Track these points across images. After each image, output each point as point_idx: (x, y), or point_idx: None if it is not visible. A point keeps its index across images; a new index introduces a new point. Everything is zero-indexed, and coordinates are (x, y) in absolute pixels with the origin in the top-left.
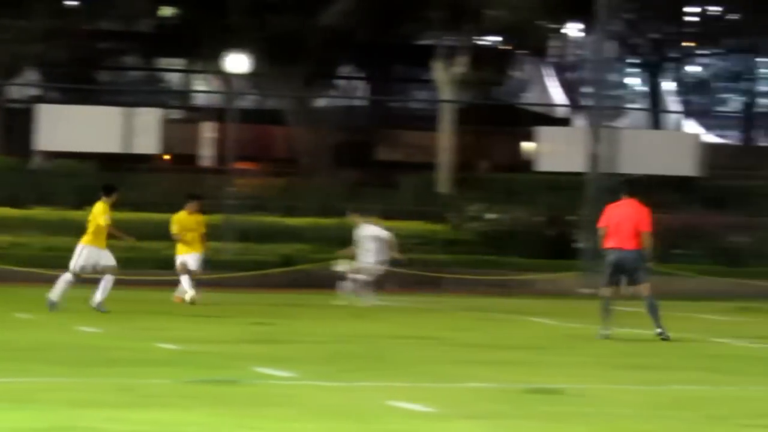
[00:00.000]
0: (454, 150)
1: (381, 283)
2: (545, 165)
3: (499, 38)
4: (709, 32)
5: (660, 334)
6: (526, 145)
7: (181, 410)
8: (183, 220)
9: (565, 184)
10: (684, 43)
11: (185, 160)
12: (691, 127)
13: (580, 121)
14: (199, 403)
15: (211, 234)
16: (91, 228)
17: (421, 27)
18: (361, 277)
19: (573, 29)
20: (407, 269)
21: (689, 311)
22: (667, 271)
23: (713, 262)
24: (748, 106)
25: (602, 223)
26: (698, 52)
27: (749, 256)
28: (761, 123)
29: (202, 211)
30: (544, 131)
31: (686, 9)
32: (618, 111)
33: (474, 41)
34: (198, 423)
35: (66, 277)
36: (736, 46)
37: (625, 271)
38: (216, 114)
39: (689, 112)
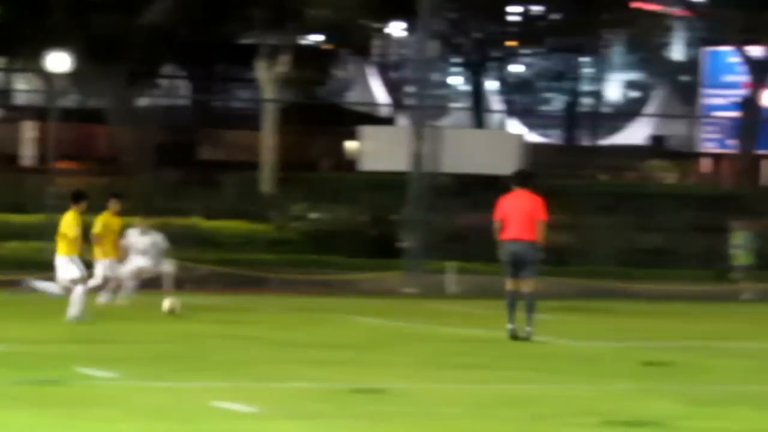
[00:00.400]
0: (277, 149)
1: (166, 283)
2: (369, 164)
3: (322, 37)
4: (531, 32)
5: (529, 333)
6: (350, 145)
7: (3, 412)
8: (108, 221)
9: (389, 183)
10: (507, 43)
11: (6, 160)
12: (514, 126)
13: (403, 121)
14: (22, 405)
15: (33, 234)
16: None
17: (244, 26)
18: (121, 276)
19: (396, 28)
20: (232, 269)
21: None
22: (493, 270)
23: None
24: (571, 105)
25: (497, 216)
26: (521, 51)
27: (572, 255)
28: (584, 122)
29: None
30: (367, 130)
31: (509, 8)
32: (441, 110)
33: (297, 40)
34: (21, 424)
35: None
36: (559, 45)
37: (520, 261)
38: (37, 113)
39: (512, 112)
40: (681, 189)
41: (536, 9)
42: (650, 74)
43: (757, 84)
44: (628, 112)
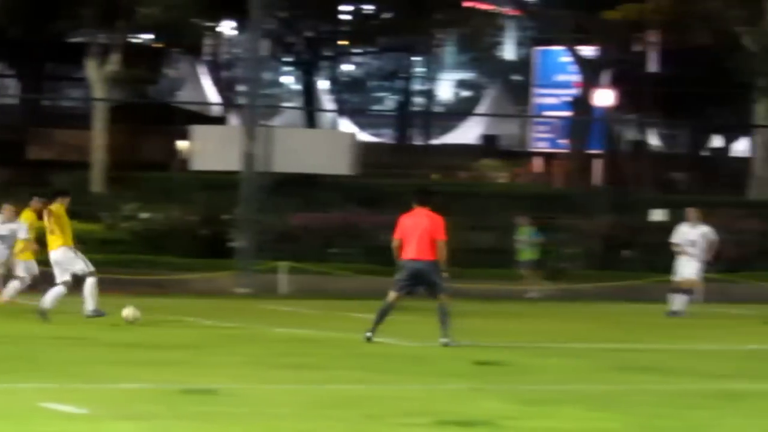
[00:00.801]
0: (108, 149)
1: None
2: (200, 164)
3: (153, 36)
4: (363, 31)
5: (446, 343)
6: (182, 144)
7: None
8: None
9: (221, 182)
10: (339, 42)
11: None
12: (346, 125)
13: (235, 120)
14: None
15: None
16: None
17: (74, 24)
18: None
19: (227, 27)
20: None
21: (346, 310)
22: (325, 270)
23: (369, 261)
24: (403, 105)
25: (397, 235)
26: (353, 50)
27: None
28: (416, 122)
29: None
30: (199, 130)
31: (341, 7)
32: (273, 110)
33: (127, 39)
34: None
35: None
36: (391, 45)
37: (422, 282)
38: None
39: (344, 111)
40: (513, 188)
41: (368, 8)
42: (482, 73)
43: (588, 84)
44: (460, 111)
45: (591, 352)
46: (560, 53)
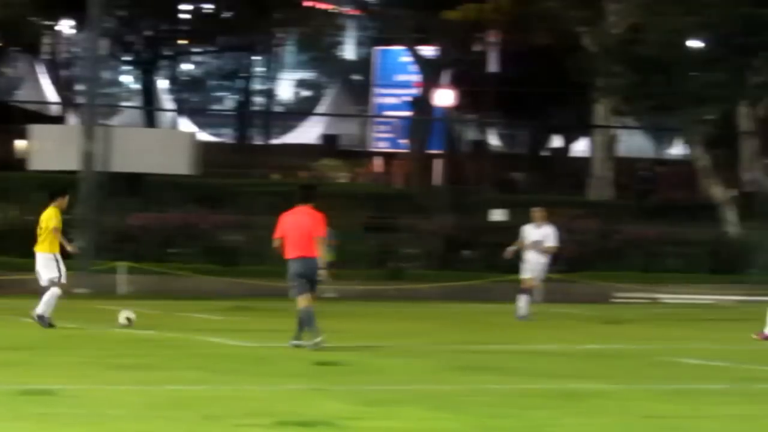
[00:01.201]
0: None
1: None
2: (38, 164)
3: None
4: (203, 30)
5: (296, 345)
6: (20, 144)
7: None
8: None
9: (60, 182)
10: (178, 41)
11: None
12: (186, 125)
13: (73, 119)
14: None
15: None
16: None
17: None
18: None
19: (66, 26)
20: None
21: (186, 311)
22: (164, 270)
23: (209, 261)
24: (243, 104)
25: (278, 234)
26: (193, 50)
27: (243, 255)
28: (256, 121)
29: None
30: (36, 129)
31: (180, 6)
32: (112, 109)
33: None
34: None
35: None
36: (231, 44)
37: (307, 278)
38: None
39: (184, 110)
40: (353, 188)
41: (208, 7)
42: (323, 73)
43: (428, 83)
44: (300, 111)
45: (431, 352)
46: (400, 53)
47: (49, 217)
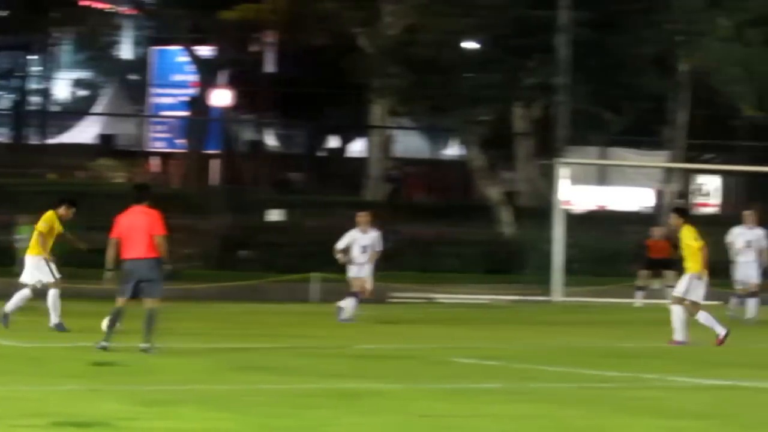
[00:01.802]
0: None
1: None
2: None
3: None
4: None
5: (146, 348)
6: None
7: None
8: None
9: None
10: None
11: None
12: None
13: None
14: None
15: None
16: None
17: None
18: None
19: None
20: None
21: None
22: None
23: None
24: (19, 103)
25: (114, 234)
26: None
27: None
28: (32, 121)
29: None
30: None
31: None
32: None
33: None
34: None
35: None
36: (6, 43)
37: (142, 280)
38: None
39: None
40: (130, 188)
41: None
42: (100, 73)
43: (205, 84)
44: (77, 110)
45: (209, 352)
46: (177, 53)
47: (42, 220)
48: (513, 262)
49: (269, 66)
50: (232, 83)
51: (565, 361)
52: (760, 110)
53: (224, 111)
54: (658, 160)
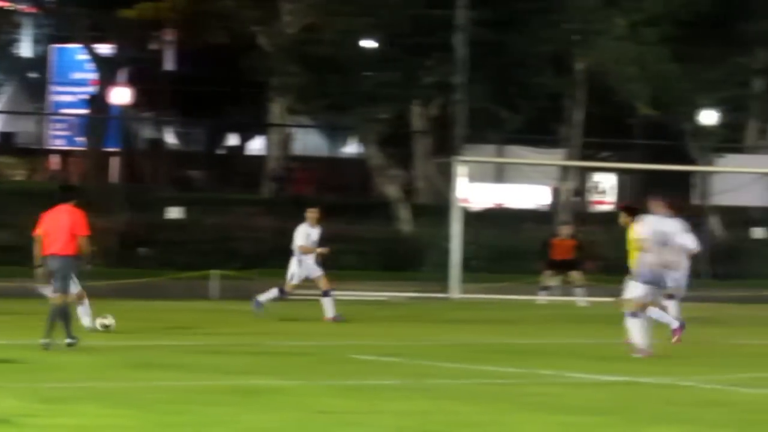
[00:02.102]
0: None
1: None
2: None
3: None
4: None
5: (46, 345)
6: None
7: None
8: None
9: None
10: None
11: None
12: None
13: None
14: None
15: None
16: None
17: None
18: None
19: None
20: None
21: None
22: None
23: None
24: None
25: (38, 231)
26: None
27: None
28: None
29: None
30: None
31: None
32: None
33: None
34: None
35: None
36: None
37: (60, 275)
38: None
39: None
40: (30, 186)
41: None
42: None
43: (104, 82)
44: None
45: (107, 349)
46: (77, 51)
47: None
48: (411, 260)
49: (169, 64)
50: (132, 81)
51: (463, 357)
52: (655, 109)
53: (124, 109)
54: (554, 158)
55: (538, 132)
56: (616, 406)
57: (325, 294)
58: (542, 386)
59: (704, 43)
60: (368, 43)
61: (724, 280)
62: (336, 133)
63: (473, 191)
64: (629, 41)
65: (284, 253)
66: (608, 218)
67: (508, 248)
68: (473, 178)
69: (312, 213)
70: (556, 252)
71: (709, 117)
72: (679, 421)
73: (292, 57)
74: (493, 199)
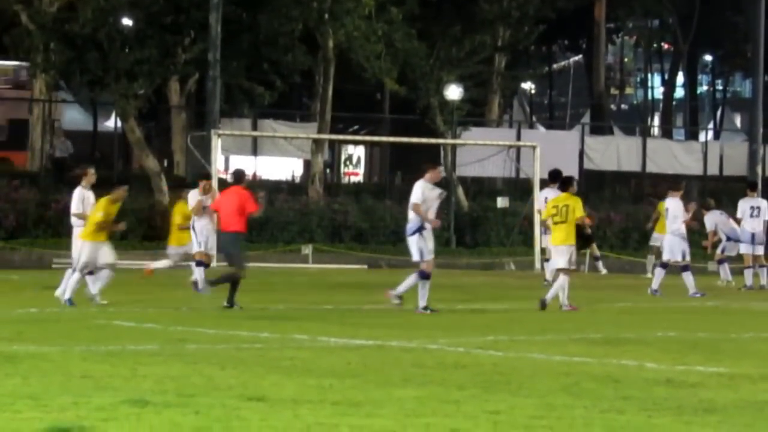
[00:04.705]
0: None
1: None
2: None
3: None
4: None
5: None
6: None
7: None
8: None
9: None
10: None
11: None
12: None
13: None
14: None
15: None
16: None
17: None
18: None
19: None
20: None
21: None
22: None
23: None
24: None
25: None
26: None
27: None
28: None
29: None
30: None
31: None
32: None
33: None
34: None
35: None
36: None
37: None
38: None
39: None
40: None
41: None
42: None
43: None
44: None
45: None
46: None
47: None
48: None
49: None
50: None
51: (220, 324)
52: (400, 85)
53: None
54: (306, 131)
55: (292, 107)
56: (367, 368)
57: (199, 263)
58: (296, 350)
59: (449, 22)
60: (126, 22)
61: (470, 248)
62: (98, 107)
63: (229, 164)
64: (377, 20)
65: (47, 224)
66: (360, 188)
67: (262, 218)
68: (229, 150)
69: (209, 184)
70: None
71: (454, 92)
72: (427, 383)
73: (53, 35)
74: (249, 171)
